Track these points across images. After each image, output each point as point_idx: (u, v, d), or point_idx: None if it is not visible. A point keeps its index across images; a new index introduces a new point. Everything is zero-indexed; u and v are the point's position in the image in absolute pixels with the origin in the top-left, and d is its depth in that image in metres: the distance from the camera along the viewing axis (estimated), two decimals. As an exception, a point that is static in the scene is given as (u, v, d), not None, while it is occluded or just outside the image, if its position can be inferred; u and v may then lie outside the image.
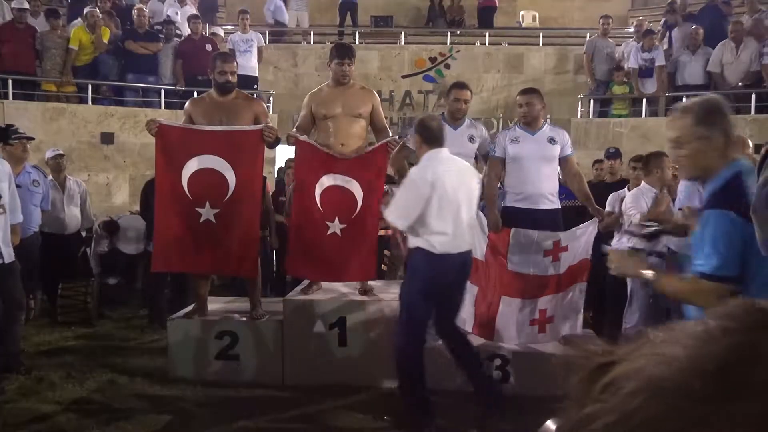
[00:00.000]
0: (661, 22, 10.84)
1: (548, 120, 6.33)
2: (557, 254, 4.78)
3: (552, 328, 4.88)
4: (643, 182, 5.19)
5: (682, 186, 4.64)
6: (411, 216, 3.73)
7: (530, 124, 4.92)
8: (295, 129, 5.06)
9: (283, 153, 9.01)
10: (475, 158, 5.09)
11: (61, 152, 6.84)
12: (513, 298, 4.84)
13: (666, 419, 0.51)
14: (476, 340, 4.96)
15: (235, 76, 5.03)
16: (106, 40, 9.40)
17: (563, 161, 4.95)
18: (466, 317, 4.86)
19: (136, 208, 7.52)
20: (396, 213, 3.78)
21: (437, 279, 3.85)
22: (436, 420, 3.92)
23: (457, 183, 3.82)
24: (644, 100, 9.76)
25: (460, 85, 5.10)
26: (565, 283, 4.83)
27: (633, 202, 5.05)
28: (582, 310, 4.89)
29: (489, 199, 4.93)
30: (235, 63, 5.13)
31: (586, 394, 0.57)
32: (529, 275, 4.82)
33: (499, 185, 5.26)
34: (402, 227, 3.85)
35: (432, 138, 3.87)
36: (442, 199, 3.73)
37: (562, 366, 0.64)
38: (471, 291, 4.85)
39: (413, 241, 3.85)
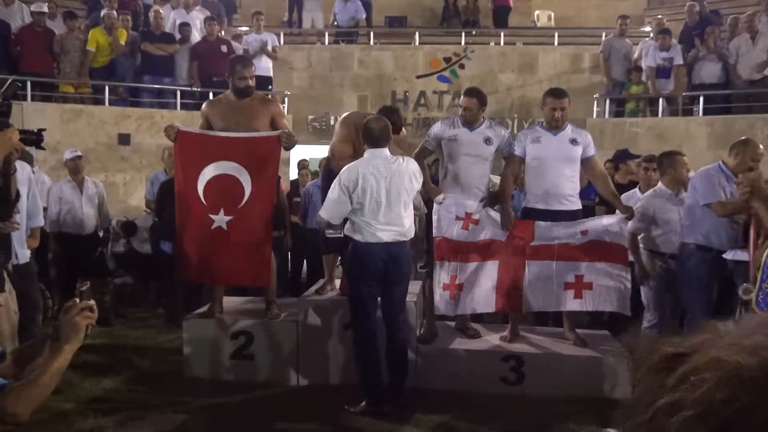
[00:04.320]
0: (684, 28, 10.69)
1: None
2: (584, 237, 4.73)
3: (591, 297, 4.67)
4: (659, 183, 5.14)
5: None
6: (340, 213, 4.21)
7: (556, 126, 4.84)
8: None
9: (297, 153, 9.03)
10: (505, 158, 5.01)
11: (79, 154, 6.87)
12: (542, 261, 4.73)
13: (757, 409, 0.49)
14: (490, 342, 4.96)
15: (254, 80, 4.99)
16: (123, 42, 9.45)
17: (586, 162, 4.89)
18: (486, 297, 4.79)
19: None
20: (327, 210, 4.23)
21: (367, 267, 4.23)
22: (383, 407, 4.27)
23: (384, 180, 4.16)
24: (661, 100, 9.66)
25: (466, 92, 4.98)
26: (601, 252, 4.67)
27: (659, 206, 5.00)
28: (629, 297, 4.68)
29: (503, 194, 4.90)
30: (254, 67, 5.09)
31: (658, 386, 0.55)
32: (555, 245, 4.73)
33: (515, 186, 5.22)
34: (336, 222, 4.27)
35: (371, 139, 4.24)
36: (366, 195, 4.13)
37: (620, 356, 0.62)
38: (491, 266, 4.80)
39: (345, 231, 4.31)
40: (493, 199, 4.95)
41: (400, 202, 4.24)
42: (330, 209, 4.21)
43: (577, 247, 4.72)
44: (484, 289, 4.80)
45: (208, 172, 4.81)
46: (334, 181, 4.25)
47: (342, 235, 4.37)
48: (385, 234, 4.21)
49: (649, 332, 5.09)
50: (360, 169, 4.19)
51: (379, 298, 4.39)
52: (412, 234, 4.42)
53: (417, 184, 4.38)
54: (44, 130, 3.58)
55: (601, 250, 4.70)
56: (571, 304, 4.74)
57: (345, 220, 4.33)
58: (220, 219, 4.81)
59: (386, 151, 4.28)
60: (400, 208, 4.25)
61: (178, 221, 4.94)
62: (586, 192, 5.38)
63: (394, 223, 4.23)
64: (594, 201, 5.71)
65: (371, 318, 4.34)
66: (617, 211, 4.94)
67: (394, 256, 4.27)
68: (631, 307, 4.84)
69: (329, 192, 4.25)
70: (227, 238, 4.81)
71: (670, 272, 4.98)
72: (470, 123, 4.89)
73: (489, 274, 4.79)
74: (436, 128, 4.98)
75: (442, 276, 4.81)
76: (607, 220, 4.83)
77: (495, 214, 4.86)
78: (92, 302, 1.86)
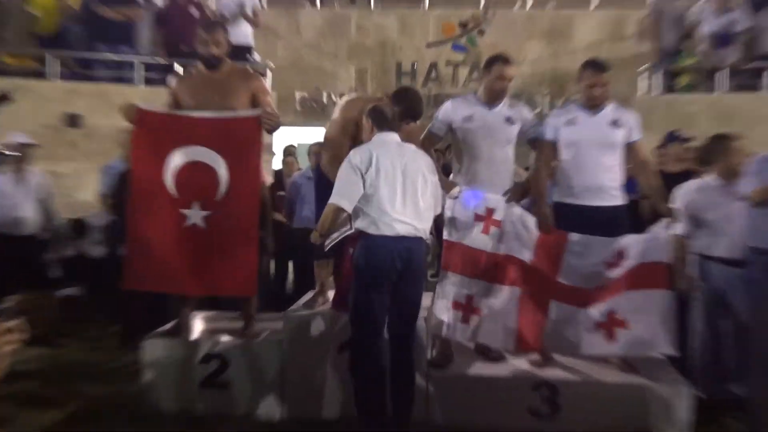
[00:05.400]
0: None
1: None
2: (621, 263, 4.69)
3: (625, 336, 4.63)
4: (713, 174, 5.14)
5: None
6: (352, 195, 4.21)
7: (595, 105, 4.84)
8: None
9: (283, 138, 8.97)
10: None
11: (33, 142, 6.85)
12: (567, 305, 4.73)
13: None
14: (516, 367, 4.92)
15: (223, 47, 5.05)
16: (72, 3, 9.41)
17: (629, 148, 4.88)
18: (506, 330, 4.77)
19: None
20: (338, 195, 4.24)
21: (381, 266, 4.21)
22: None
23: (399, 162, 4.26)
24: (721, 72, 9.60)
25: (505, 60, 4.98)
26: (639, 277, 4.64)
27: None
28: (673, 331, 4.59)
29: (537, 191, 4.90)
30: (223, 32, 5.12)
31: None
32: (585, 289, 4.72)
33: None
34: (347, 208, 4.24)
35: (382, 121, 4.39)
36: (380, 175, 4.20)
37: None
38: (512, 295, 4.78)
39: (355, 224, 4.32)
40: (518, 191, 4.94)
41: (417, 189, 4.28)
42: (340, 192, 4.21)
43: (613, 282, 4.69)
44: (503, 321, 4.77)
45: (176, 160, 4.83)
46: (343, 163, 4.27)
47: (352, 230, 4.35)
48: (403, 226, 4.21)
49: (699, 361, 5.10)
50: (372, 149, 4.25)
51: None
52: (428, 233, 4.44)
53: (434, 177, 4.42)
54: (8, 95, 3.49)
55: (638, 274, 4.66)
56: (602, 347, 4.70)
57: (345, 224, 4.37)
58: (195, 214, 4.83)
59: (397, 135, 4.38)
60: (417, 196, 4.28)
61: (133, 219, 4.93)
62: (630, 184, 5.34)
63: (412, 215, 4.25)
64: (639, 195, 5.67)
65: (379, 333, 4.28)
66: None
67: (411, 255, 4.26)
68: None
69: (339, 172, 4.26)
70: (205, 237, 4.83)
71: (723, 282, 4.97)
72: (492, 99, 4.90)
73: (509, 303, 4.78)
74: (446, 109, 5.01)
75: (454, 291, 4.80)
76: (652, 233, 4.75)
77: (520, 216, 4.85)
78: (17, 322, 1.77)
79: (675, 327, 4.60)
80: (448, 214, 4.82)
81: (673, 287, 4.72)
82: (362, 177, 4.17)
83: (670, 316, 4.59)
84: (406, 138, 4.55)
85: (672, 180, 5.83)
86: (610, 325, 4.66)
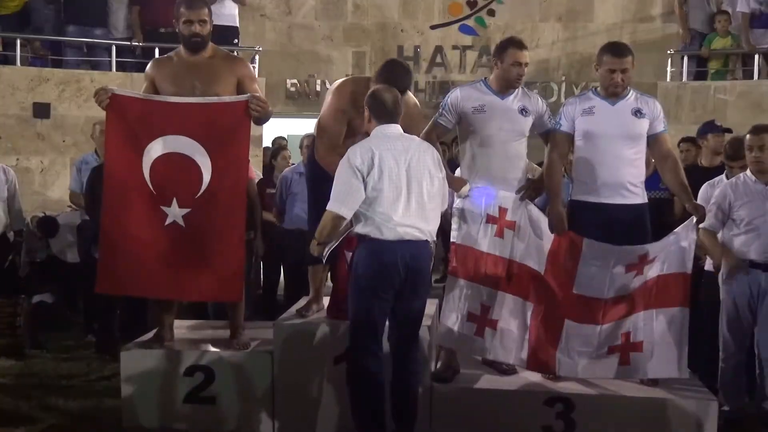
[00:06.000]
0: None
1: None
2: (642, 268, 4.74)
3: (639, 360, 4.73)
4: (748, 170, 5.21)
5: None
6: (354, 202, 4.24)
7: (615, 92, 4.86)
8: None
9: (273, 129, 9.03)
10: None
11: None
12: (581, 324, 4.80)
13: None
14: (528, 380, 4.96)
15: (206, 27, 5.02)
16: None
17: (653, 140, 4.90)
18: (515, 346, 4.85)
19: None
20: (336, 200, 4.26)
21: (384, 272, 4.27)
22: None
23: (403, 160, 4.30)
24: (757, 57, 9.65)
25: (520, 44, 4.96)
26: (657, 293, 4.73)
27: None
28: (685, 353, 4.69)
29: (551, 187, 4.91)
30: (207, 10, 5.09)
31: None
32: (602, 300, 4.78)
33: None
34: (347, 216, 4.28)
35: (384, 112, 4.38)
36: (384, 178, 4.24)
37: None
38: (524, 310, 4.86)
39: (356, 229, 4.36)
40: (531, 189, 4.99)
41: (423, 189, 4.33)
42: (339, 198, 4.24)
43: (631, 294, 4.76)
44: (518, 337, 4.85)
45: (154, 151, 4.85)
46: (342, 163, 4.30)
47: (355, 233, 4.39)
48: (408, 230, 4.28)
49: (726, 372, 5.22)
50: (373, 147, 4.28)
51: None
52: (434, 234, 4.49)
53: (440, 174, 4.48)
54: None
55: (658, 289, 4.74)
56: (616, 371, 4.80)
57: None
58: (174, 212, 4.86)
59: (399, 127, 4.41)
60: (423, 196, 4.33)
61: (108, 216, 4.95)
62: (653, 180, 5.40)
63: (417, 216, 4.31)
64: (664, 192, 5.73)
65: (379, 345, 4.37)
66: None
67: (416, 260, 4.32)
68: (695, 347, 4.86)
69: (337, 173, 4.30)
70: (186, 237, 4.86)
71: (753, 287, 5.08)
72: (505, 88, 4.93)
73: (522, 317, 4.86)
74: (455, 98, 4.99)
75: (467, 301, 4.85)
76: (675, 236, 4.80)
77: (535, 217, 4.90)
78: None
79: (686, 348, 4.70)
80: (456, 213, 4.87)
81: (695, 300, 4.83)
82: (363, 180, 4.21)
83: (685, 337, 4.69)
84: (405, 123, 4.57)
85: (706, 175, 5.90)
86: (624, 348, 4.75)
